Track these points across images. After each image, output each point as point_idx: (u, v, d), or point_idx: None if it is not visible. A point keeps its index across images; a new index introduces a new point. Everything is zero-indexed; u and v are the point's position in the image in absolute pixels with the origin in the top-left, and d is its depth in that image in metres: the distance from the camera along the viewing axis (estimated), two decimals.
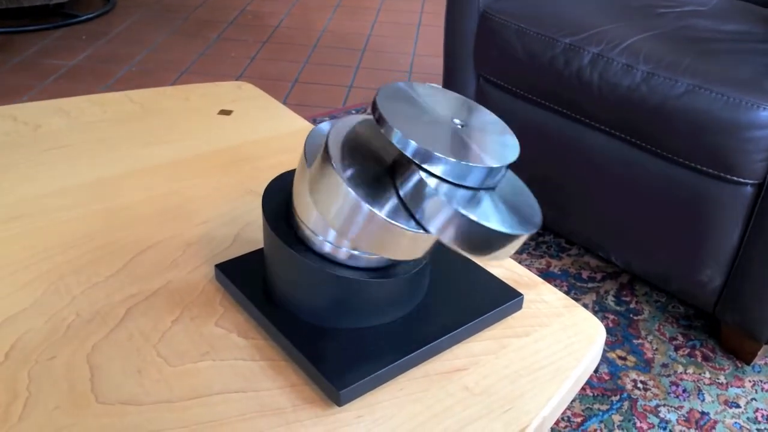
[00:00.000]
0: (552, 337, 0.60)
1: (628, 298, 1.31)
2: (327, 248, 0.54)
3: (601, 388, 1.11)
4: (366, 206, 0.48)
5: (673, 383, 1.13)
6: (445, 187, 0.48)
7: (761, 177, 1.03)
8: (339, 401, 0.51)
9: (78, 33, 2.47)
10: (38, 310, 0.59)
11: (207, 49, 2.40)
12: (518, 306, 0.62)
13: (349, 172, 0.50)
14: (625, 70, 1.11)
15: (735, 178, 1.04)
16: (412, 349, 0.55)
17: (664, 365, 1.16)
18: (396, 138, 0.47)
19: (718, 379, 1.14)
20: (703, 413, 1.08)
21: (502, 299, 0.61)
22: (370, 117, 0.53)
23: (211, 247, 0.68)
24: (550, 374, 0.56)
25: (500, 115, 1.36)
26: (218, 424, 0.50)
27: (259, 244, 0.69)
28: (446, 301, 0.60)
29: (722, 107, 1.02)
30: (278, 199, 0.60)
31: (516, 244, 0.50)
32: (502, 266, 0.69)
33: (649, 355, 1.18)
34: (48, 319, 0.59)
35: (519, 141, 1.35)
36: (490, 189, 0.51)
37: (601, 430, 1.04)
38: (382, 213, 0.49)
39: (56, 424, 0.50)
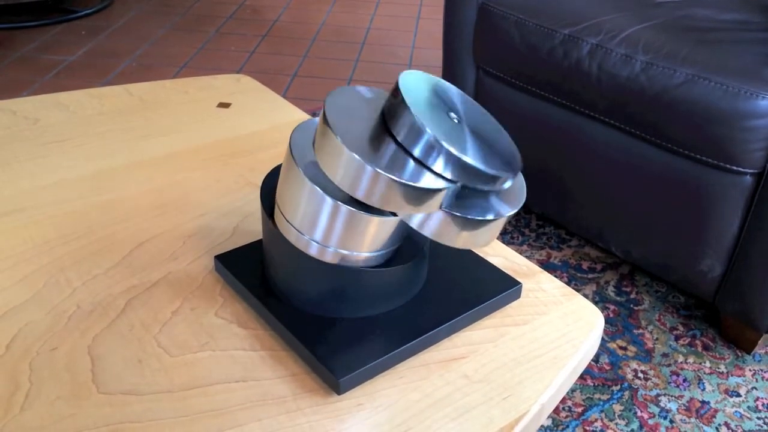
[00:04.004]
0: (550, 325, 0.60)
1: (628, 289, 1.31)
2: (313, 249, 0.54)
3: (602, 378, 1.11)
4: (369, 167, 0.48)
5: (673, 373, 1.13)
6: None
7: (760, 166, 1.03)
8: (339, 389, 0.52)
9: (77, 28, 2.47)
10: (39, 302, 0.60)
11: (206, 43, 2.39)
12: (517, 295, 0.62)
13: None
14: (624, 60, 1.11)
15: (734, 168, 1.04)
16: (411, 337, 0.55)
17: (665, 355, 1.17)
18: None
19: (718, 368, 1.15)
20: (703, 402, 1.08)
21: (501, 288, 0.61)
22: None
23: (211, 238, 0.69)
24: (549, 362, 0.57)
25: (500, 107, 1.36)
26: (219, 414, 0.51)
27: (258, 235, 0.69)
28: (445, 290, 0.60)
29: (721, 96, 1.02)
30: (276, 190, 0.60)
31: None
32: (501, 256, 0.69)
33: (650, 344, 1.18)
34: (49, 310, 0.59)
35: (518, 132, 1.35)
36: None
37: (602, 419, 1.04)
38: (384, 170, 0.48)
39: (58, 414, 0.50)
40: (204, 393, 0.52)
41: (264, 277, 0.60)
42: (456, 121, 0.51)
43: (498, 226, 0.53)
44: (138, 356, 0.55)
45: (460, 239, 0.52)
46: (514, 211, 0.53)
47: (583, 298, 0.64)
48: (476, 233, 0.52)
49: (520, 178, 0.57)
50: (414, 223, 0.51)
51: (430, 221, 0.51)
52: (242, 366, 0.54)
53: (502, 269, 0.64)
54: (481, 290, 0.60)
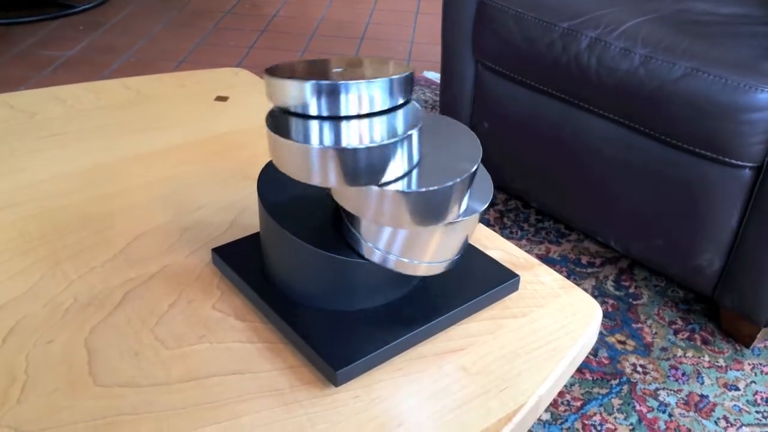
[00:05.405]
0: (548, 318, 0.60)
1: (627, 283, 1.31)
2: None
3: (601, 372, 1.11)
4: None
5: (672, 367, 1.13)
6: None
7: (759, 160, 1.02)
8: (336, 382, 0.52)
9: (75, 24, 2.47)
10: (36, 295, 0.60)
11: (204, 38, 2.39)
12: (515, 287, 0.62)
13: None
14: (623, 54, 1.11)
15: (733, 162, 1.04)
16: (408, 329, 0.55)
17: (664, 349, 1.17)
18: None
19: (717, 362, 1.15)
20: (702, 396, 1.08)
21: (499, 280, 0.61)
22: None
23: (208, 232, 0.68)
24: (547, 354, 0.56)
25: (499, 101, 1.36)
26: (216, 406, 0.50)
27: (256, 229, 0.69)
28: (443, 282, 0.60)
29: (720, 90, 1.01)
30: (273, 182, 0.60)
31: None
32: (499, 248, 0.69)
33: (649, 339, 1.18)
34: (45, 303, 0.59)
35: (517, 126, 1.35)
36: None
37: (600, 413, 1.04)
38: None
39: (55, 407, 0.50)
40: (201, 385, 0.52)
41: (261, 270, 0.60)
42: (341, 70, 0.51)
43: (468, 227, 0.53)
44: (135, 349, 0.55)
45: (429, 249, 0.52)
46: (483, 208, 0.53)
47: (582, 291, 0.64)
48: (445, 237, 0.52)
49: (485, 174, 0.57)
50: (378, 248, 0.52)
51: (395, 243, 0.51)
52: (239, 358, 0.54)
53: (500, 262, 0.64)
54: (479, 282, 0.60)
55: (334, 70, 0.50)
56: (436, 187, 0.49)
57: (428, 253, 0.53)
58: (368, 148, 0.47)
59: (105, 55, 2.21)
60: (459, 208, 0.52)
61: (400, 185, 0.49)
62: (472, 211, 0.52)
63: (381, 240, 0.52)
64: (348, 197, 0.51)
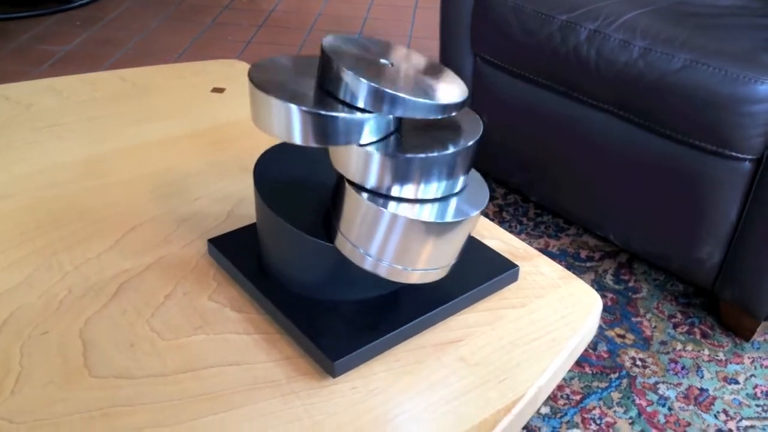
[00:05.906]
0: (548, 308, 0.60)
1: (626, 277, 1.31)
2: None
3: (600, 366, 1.11)
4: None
5: (672, 360, 1.13)
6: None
7: (759, 152, 1.02)
8: (334, 372, 0.51)
9: (72, 18, 2.46)
10: (31, 286, 0.59)
11: (202, 33, 2.38)
12: (514, 277, 0.62)
13: None
14: (622, 45, 1.11)
15: (733, 154, 1.03)
16: (406, 320, 0.55)
17: (663, 343, 1.16)
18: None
19: (717, 356, 1.14)
20: (702, 390, 1.08)
21: (498, 271, 0.60)
22: None
23: (205, 223, 0.68)
24: (546, 345, 0.56)
25: (498, 95, 1.35)
26: (212, 397, 0.50)
27: (253, 220, 0.68)
28: None
29: (720, 82, 1.01)
30: (270, 173, 0.59)
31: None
32: (498, 239, 0.68)
33: (648, 332, 1.18)
34: (40, 294, 0.58)
35: (516, 120, 1.34)
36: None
37: (600, 407, 1.04)
38: None
39: (49, 398, 0.49)
40: (197, 377, 0.51)
41: (258, 261, 0.59)
42: (390, 64, 0.51)
43: (463, 232, 0.52)
44: (130, 340, 0.54)
45: (423, 255, 0.51)
46: (479, 210, 0.52)
47: (581, 281, 0.63)
48: (439, 242, 0.51)
49: (480, 179, 0.56)
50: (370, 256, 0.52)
51: (389, 243, 0.51)
52: (236, 349, 0.54)
53: (499, 252, 0.63)
54: (477, 273, 0.60)
55: (382, 61, 0.51)
56: (435, 154, 0.49)
57: (421, 260, 0.52)
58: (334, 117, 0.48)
59: (103, 50, 2.21)
60: (454, 184, 0.52)
61: (393, 150, 0.49)
62: (465, 215, 0.51)
63: (372, 246, 0.51)
64: (340, 157, 0.51)
